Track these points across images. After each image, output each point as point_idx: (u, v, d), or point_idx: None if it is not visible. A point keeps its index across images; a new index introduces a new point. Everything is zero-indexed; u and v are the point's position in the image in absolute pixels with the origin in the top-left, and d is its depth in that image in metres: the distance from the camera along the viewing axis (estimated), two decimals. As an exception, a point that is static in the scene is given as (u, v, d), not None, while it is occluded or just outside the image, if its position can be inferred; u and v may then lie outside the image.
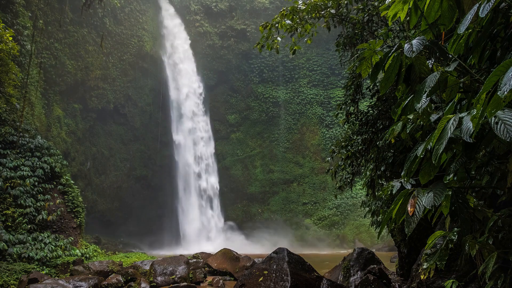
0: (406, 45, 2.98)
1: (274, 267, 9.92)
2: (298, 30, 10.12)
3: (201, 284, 15.22)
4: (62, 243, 16.95)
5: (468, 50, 3.11)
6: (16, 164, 17.64)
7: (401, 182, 3.43)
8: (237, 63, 38.91)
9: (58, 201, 18.29)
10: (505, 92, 2.12)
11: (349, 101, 10.32)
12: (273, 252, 10.72)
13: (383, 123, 9.01)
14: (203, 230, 33.47)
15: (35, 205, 17.34)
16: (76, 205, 18.74)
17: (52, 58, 25.73)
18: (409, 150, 7.40)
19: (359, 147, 9.97)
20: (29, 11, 21.76)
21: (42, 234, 16.80)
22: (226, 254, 17.40)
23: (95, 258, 17.89)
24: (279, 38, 10.27)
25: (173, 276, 14.81)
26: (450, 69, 2.89)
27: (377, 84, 9.29)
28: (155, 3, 36.56)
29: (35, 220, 17.07)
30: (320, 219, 34.76)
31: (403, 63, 3.11)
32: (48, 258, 15.88)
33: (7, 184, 16.92)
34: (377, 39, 6.04)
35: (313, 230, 34.47)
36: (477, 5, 2.69)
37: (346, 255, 12.39)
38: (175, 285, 14.01)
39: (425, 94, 2.85)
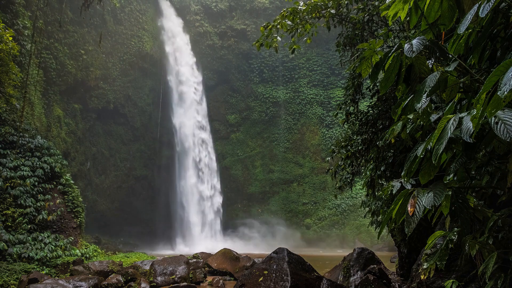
0: (406, 45, 2.98)
1: (274, 267, 9.92)
2: (298, 31, 10.14)
3: (201, 284, 15.21)
4: (62, 243, 16.94)
5: (468, 50, 3.11)
6: (16, 164, 17.63)
7: (401, 182, 3.43)
8: (237, 63, 38.91)
9: (58, 201, 18.28)
10: (505, 92, 2.12)
11: (349, 101, 10.32)
12: (273, 252, 10.72)
13: (383, 123, 9.01)
14: (203, 230, 33.47)
15: (35, 205, 17.34)
16: (76, 205, 18.73)
17: (52, 58, 25.72)
18: (409, 150, 7.40)
19: (359, 147, 9.97)
20: (29, 11, 21.76)
21: (42, 234, 16.79)
22: (226, 254, 17.40)
23: (95, 258, 17.88)
24: (279, 38, 10.29)
25: (173, 276, 14.81)
26: (450, 69, 2.89)
27: (377, 84, 9.29)
28: (155, 3, 36.56)
29: (35, 220, 17.06)
30: (320, 219, 34.76)
31: (403, 63, 3.11)
32: (48, 258, 15.87)
33: (7, 184, 16.91)
34: (377, 39, 6.04)
35: (313, 230, 34.47)
36: (477, 5, 2.69)
37: (346, 255, 12.39)
38: (175, 285, 14.01)
39: (425, 94, 2.85)
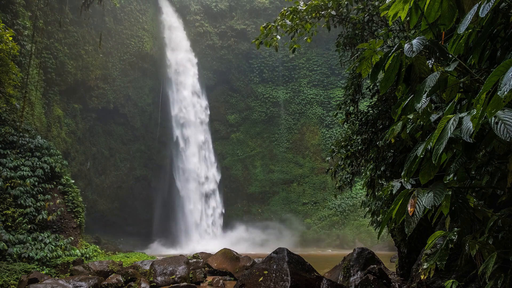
0: (406, 45, 2.98)
1: (274, 267, 9.93)
2: (298, 31, 10.15)
3: (201, 284, 15.21)
4: (62, 243, 16.94)
5: (468, 50, 3.11)
6: (16, 164, 17.63)
7: (401, 182, 3.43)
8: (237, 63, 38.90)
9: (58, 201, 18.28)
10: (505, 92, 2.12)
11: (349, 101, 10.33)
12: (273, 252, 10.73)
13: (383, 123, 9.01)
14: (203, 230, 33.47)
15: (35, 205, 17.33)
16: (76, 205, 18.73)
17: (52, 58, 25.72)
18: (409, 150, 7.40)
19: (359, 147, 9.97)
20: (29, 11, 21.75)
21: (42, 234, 16.78)
22: (226, 254, 17.40)
23: (95, 258, 17.88)
24: (278, 37, 10.29)
25: (173, 276, 14.81)
26: (450, 69, 2.89)
27: (377, 84, 9.29)
28: (155, 3, 36.56)
29: (35, 220, 17.06)
30: (320, 219, 34.76)
31: (403, 63, 3.11)
32: (48, 258, 15.87)
33: (7, 184, 16.91)
34: (377, 39, 6.04)
35: (313, 230, 34.47)
36: (477, 5, 2.69)
37: (346, 255, 12.39)
38: (175, 285, 14.00)
39: (425, 94, 2.85)
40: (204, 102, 36.96)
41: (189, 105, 35.45)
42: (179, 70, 35.76)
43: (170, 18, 37.19)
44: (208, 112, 37.08)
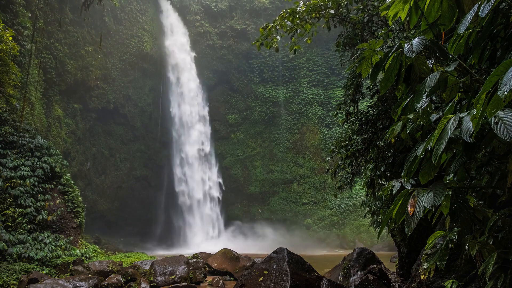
0: (406, 45, 2.98)
1: (274, 267, 9.93)
2: (298, 31, 10.14)
3: (201, 284, 15.21)
4: (62, 243, 16.94)
5: (468, 50, 3.11)
6: (16, 164, 17.63)
7: (401, 182, 3.43)
8: (237, 63, 38.90)
9: (58, 201, 18.28)
10: (505, 92, 2.12)
11: (349, 101, 10.32)
12: (273, 252, 10.73)
13: (383, 123, 9.01)
14: (203, 230, 33.47)
15: (35, 205, 17.33)
16: (76, 205, 18.72)
17: (52, 58, 25.71)
18: (409, 150, 7.40)
19: (359, 147, 9.97)
20: (29, 11, 21.74)
21: (42, 234, 16.78)
22: (226, 254, 17.40)
23: (95, 258, 17.88)
24: (278, 38, 10.28)
25: (173, 276, 14.81)
26: (450, 69, 2.89)
27: (377, 84, 9.29)
28: (155, 3, 36.55)
29: (35, 220, 17.06)
30: (320, 219, 34.76)
31: (403, 63, 3.11)
32: (48, 258, 15.87)
33: (7, 184, 16.91)
34: (377, 39, 6.03)
35: (313, 230, 34.46)
36: (477, 5, 2.69)
37: (346, 255, 12.39)
38: (175, 285, 14.01)
39: (425, 94, 2.85)
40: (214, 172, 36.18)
41: (198, 184, 34.61)
42: (178, 70, 35.64)
43: (170, 18, 37.17)
44: (221, 181, 36.54)
